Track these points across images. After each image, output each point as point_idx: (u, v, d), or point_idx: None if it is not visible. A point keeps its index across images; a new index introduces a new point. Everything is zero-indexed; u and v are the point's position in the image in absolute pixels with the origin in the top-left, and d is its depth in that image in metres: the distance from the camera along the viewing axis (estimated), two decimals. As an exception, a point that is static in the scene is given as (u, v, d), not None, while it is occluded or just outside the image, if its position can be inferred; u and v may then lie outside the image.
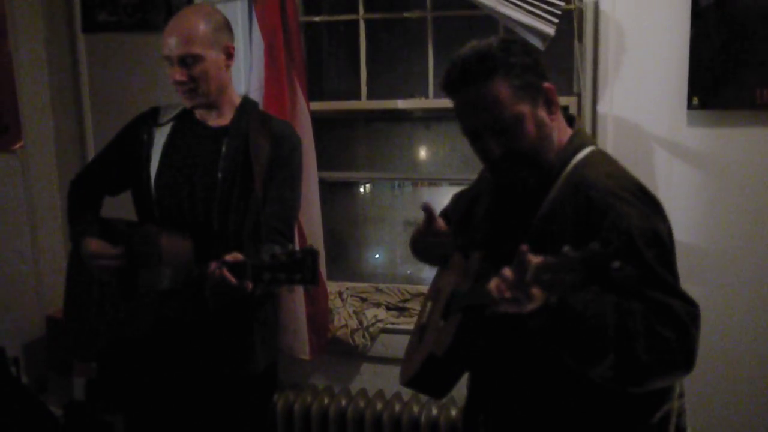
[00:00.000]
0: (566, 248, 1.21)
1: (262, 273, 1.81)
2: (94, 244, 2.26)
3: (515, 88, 1.52)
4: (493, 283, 1.36)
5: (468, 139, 1.62)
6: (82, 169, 2.52)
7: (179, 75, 2.19)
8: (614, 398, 1.53)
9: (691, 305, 1.44)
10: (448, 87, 1.60)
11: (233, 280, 1.88)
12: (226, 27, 2.28)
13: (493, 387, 1.75)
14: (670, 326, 1.39)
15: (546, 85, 1.57)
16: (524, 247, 1.28)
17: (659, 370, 1.41)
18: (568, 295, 1.34)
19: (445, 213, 2.06)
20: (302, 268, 1.76)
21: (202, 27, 2.19)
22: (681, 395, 1.67)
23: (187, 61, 2.18)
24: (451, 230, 1.86)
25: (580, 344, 1.40)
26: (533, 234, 1.54)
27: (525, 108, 1.53)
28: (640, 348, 1.37)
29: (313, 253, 1.77)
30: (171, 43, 2.19)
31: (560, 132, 1.63)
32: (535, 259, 1.26)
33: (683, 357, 1.41)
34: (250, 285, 1.88)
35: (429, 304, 2.00)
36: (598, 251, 1.17)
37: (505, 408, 1.72)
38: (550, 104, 1.58)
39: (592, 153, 1.62)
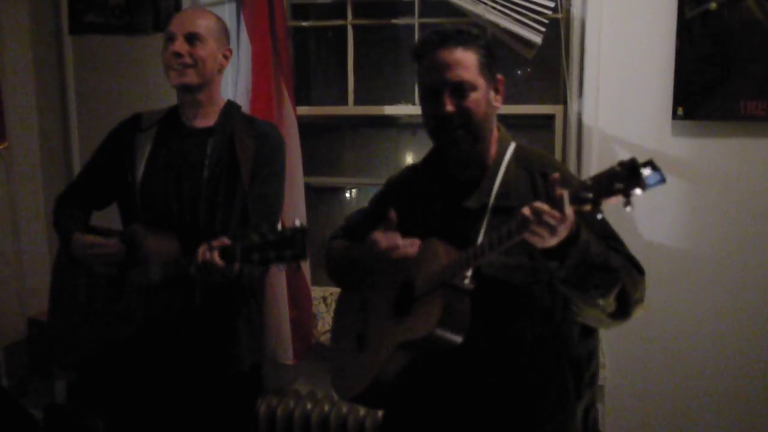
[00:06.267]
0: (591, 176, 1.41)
1: (251, 253, 1.83)
2: (88, 237, 2.26)
3: (481, 63, 1.77)
4: (526, 210, 1.47)
5: (425, 99, 1.81)
6: (67, 187, 2.50)
7: (179, 47, 2.21)
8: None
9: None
10: (422, 48, 1.79)
11: (220, 263, 1.91)
12: (227, 35, 2.36)
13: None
14: (637, 269, 1.70)
15: (499, 76, 1.82)
16: (556, 175, 1.46)
17: (639, 304, 1.68)
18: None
19: (353, 228, 2.12)
20: (292, 245, 1.78)
21: (214, 20, 2.30)
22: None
23: (193, 40, 2.22)
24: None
25: (596, 278, 1.56)
26: (492, 213, 1.76)
27: (482, 82, 1.76)
28: (629, 282, 1.63)
29: (302, 230, 1.78)
30: (180, 21, 2.26)
31: (494, 125, 1.85)
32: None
33: (643, 295, 1.70)
34: (237, 266, 1.91)
35: (351, 314, 2.02)
36: (627, 163, 1.31)
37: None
38: (497, 93, 1.82)
39: (520, 146, 1.87)
